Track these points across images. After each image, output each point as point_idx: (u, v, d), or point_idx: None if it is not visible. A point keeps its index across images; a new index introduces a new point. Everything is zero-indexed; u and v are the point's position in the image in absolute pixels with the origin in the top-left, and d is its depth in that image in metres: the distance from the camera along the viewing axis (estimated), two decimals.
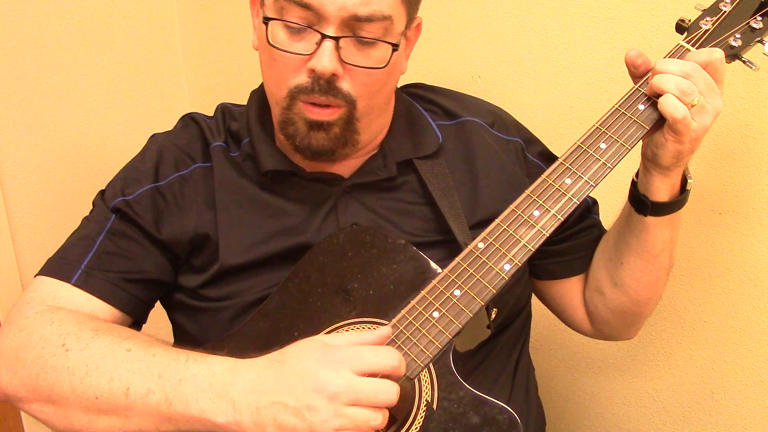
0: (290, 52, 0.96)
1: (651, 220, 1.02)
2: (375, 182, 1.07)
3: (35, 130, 1.66)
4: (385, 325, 0.92)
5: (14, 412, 1.68)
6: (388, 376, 0.84)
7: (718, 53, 0.94)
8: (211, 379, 0.86)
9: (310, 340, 0.87)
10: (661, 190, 1.00)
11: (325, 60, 0.93)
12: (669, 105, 0.91)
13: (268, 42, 0.97)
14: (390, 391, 0.83)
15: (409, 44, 1.06)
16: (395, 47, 0.96)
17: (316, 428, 0.81)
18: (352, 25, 0.94)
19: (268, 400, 0.83)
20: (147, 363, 0.89)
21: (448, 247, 1.03)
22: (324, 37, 0.93)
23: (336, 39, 0.93)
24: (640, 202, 1.02)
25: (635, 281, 1.09)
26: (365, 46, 0.96)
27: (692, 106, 0.91)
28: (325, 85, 0.95)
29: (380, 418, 0.83)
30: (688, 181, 1.01)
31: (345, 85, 0.96)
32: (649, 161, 0.99)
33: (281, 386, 0.83)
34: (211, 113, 1.16)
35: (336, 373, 0.82)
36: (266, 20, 0.97)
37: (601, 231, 1.18)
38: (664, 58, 0.97)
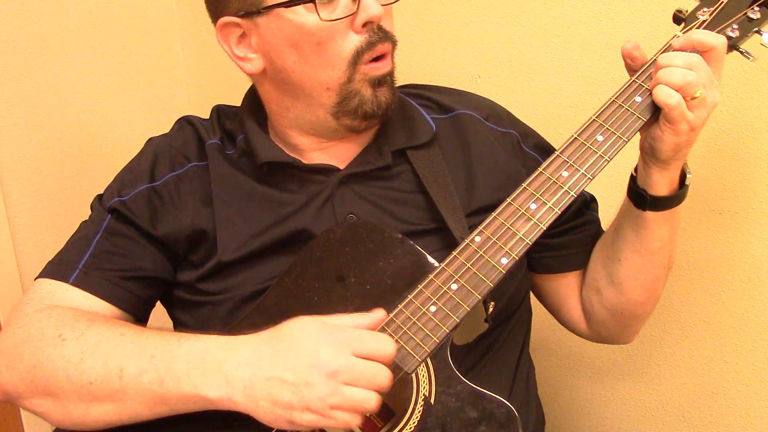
0: (339, 19, 0.96)
1: (650, 215, 1.01)
2: (370, 171, 1.07)
3: (35, 131, 1.66)
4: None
5: (14, 412, 1.68)
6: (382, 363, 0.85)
7: (722, 39, 0.94)
8: (204, 354, 0.87)
9: (306, 318, 0.88)
10: (660, 184, 0.99)
11: (373, 4, 0.96)
12: (662, 93, 0.91)
13: (320, 18, 0.95)
14: (386, 376, 0.84)
15: None
16: None
17: (312, 405, 0.82)
18: None
19: (264, 375, 0.83)
20: (140, 345, 0.90)
21: (442, 235, 1.03)
22: None
23: None
24: (639, 197, 1.01)
25: (633, 279, 1.08)
26: None
27: (694, 98, 0.91)
28: (380, 33, 0.99)
29: (375, 401, 0.84)
30: (687, 176, 1.01)
31: (386, 25, 1.01)
32: (648, 155, 0.98)
33: (279, 362, 0.84)
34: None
35: (337, 352, 0.83)
36: (289, 3, 0.95)
37: (599, 228, 1.17)
38: (662, 49, 0.97)
